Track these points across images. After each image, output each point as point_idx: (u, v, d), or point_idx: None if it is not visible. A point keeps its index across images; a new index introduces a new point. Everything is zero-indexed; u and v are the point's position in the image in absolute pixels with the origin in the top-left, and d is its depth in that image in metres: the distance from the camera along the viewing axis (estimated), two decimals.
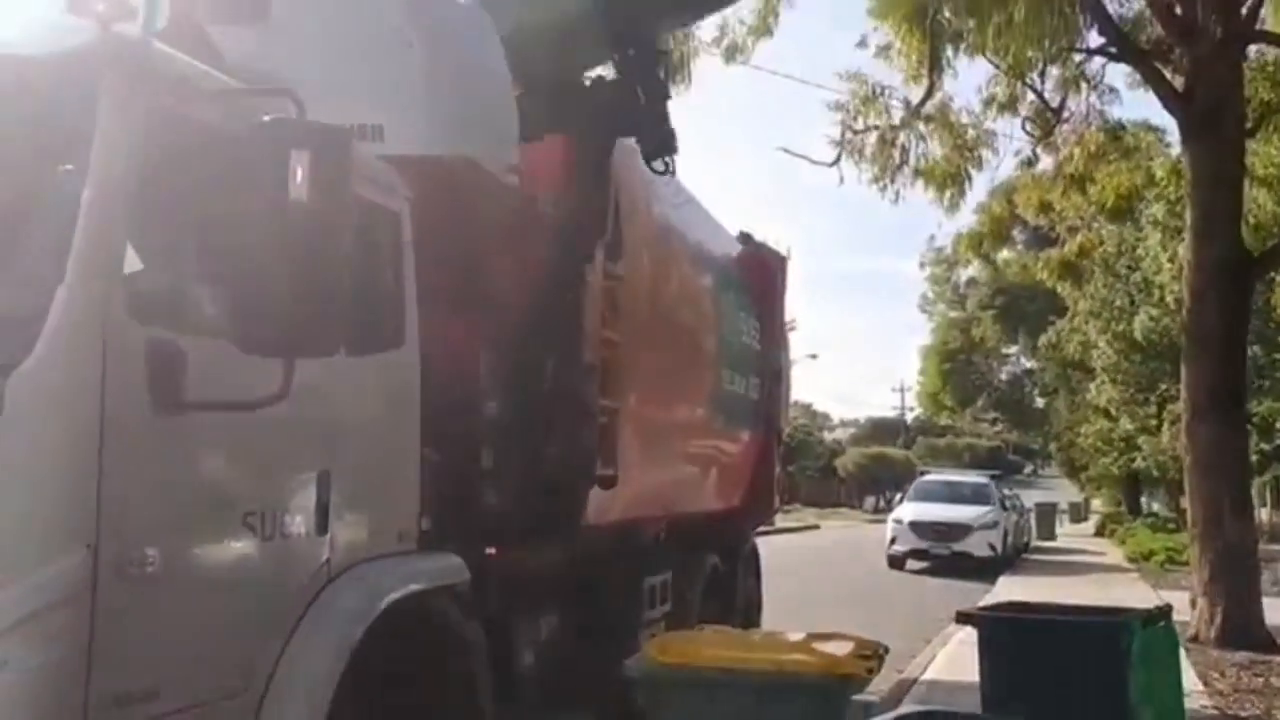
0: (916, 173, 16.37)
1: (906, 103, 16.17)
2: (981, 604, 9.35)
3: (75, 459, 2.86)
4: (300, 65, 4.60)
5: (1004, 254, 32.36)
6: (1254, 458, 25.73)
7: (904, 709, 4.14)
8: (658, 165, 6.64)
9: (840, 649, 4.45)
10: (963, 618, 6.51)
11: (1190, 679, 10.65)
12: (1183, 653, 11.96)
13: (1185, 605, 13.76)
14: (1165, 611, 6.77)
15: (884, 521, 27.64)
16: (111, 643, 2.89)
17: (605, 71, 6.91)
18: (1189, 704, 9.43)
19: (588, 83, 6.68)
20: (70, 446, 2.87)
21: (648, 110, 6.47)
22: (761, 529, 11.72)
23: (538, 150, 5.78)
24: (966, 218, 20.92)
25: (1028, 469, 76.94)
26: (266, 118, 3.10)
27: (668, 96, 6.73)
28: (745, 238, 10.07)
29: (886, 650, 4.64)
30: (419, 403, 4.43)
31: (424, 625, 4.18)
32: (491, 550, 5.22)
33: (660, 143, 6.58)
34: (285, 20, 4.85)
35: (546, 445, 5.69)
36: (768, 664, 4.35)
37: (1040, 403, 50.98)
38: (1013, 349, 50.60)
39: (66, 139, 3.01)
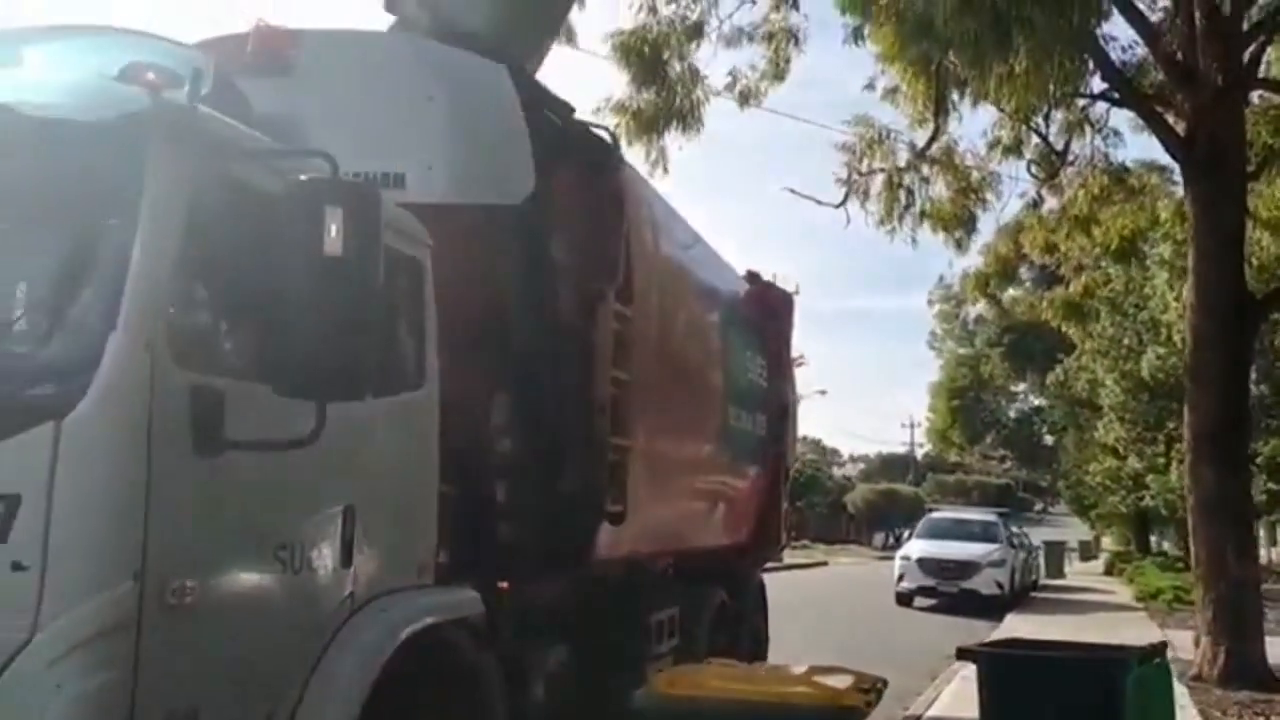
0: (923, 214, 16.54)
1: (912, 146, 16.38)
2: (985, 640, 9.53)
3: (125, 496, 3.09)
4: (327, 115, 4.88)
5: (1011, 292, 32.57)
6: (1261, 497, 25.89)
7: None
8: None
9: (841, 682, 4.66)
10: (963, 653, 6.67)
11: (1193, 716, 10.97)
12: (1186, 691, 12.34)
13: (1190, 644, 13.99)
14: (1160, 649, 6.96)
15: (892, 558, 27.70)
16: (155, 667, 3.11)
17: None
18: None
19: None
20: (120, 484, 3.10)
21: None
22: (769, 565, 11.92)
23: (552, 196, 6.03)
24: (975, 257, 21.09)
25: (1037, 507, 76.90)
26: (303, 177, 3.35)
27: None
28: (753, 277, 10.35)
29: (885, 684, 4.84)
30: (437, 441, 4.64)
31: (440, 655, 4.37)
32: (504, 584, 5.41)
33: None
34: (313, 72, 5.13)
35: (558, 482, 5.90)
36: (771, 696, 4.53)
37: (1049, 440, 51.06)
38: (1021, 386, 50.73)
39: (118, 198, 3.25)
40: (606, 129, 6.84)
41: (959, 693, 10.69)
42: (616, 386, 6.34)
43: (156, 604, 3.12)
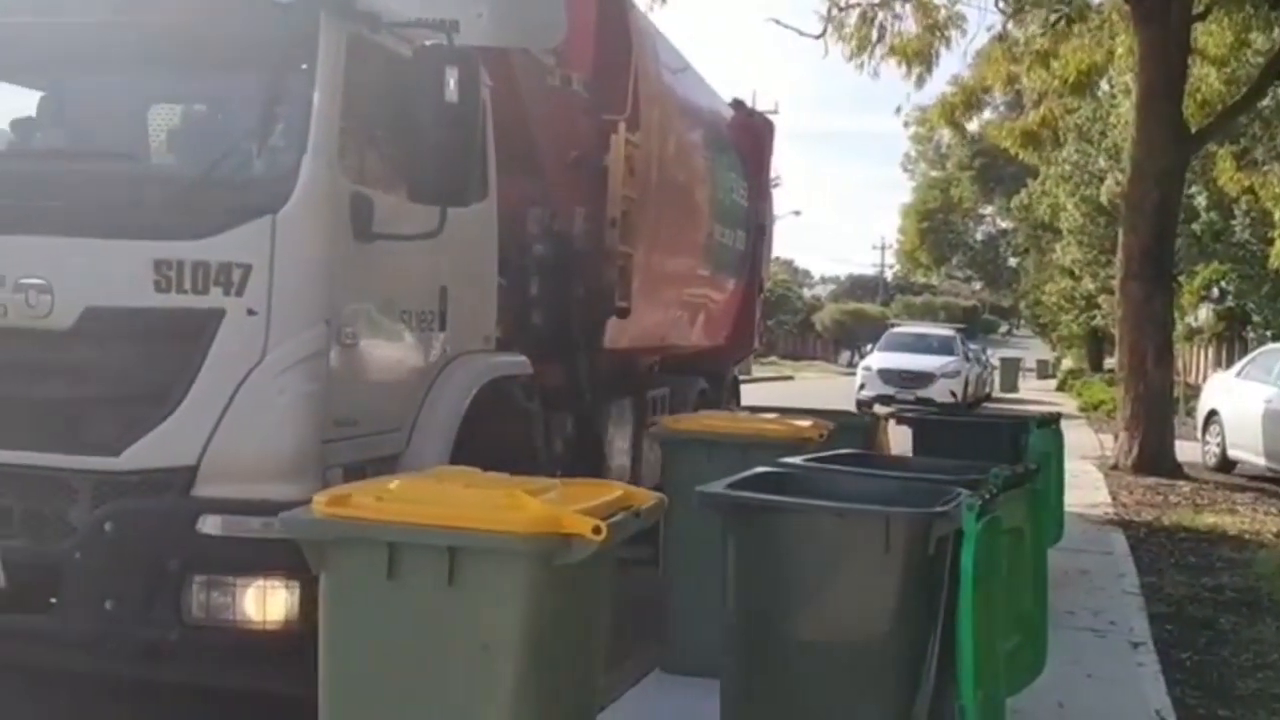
0: (890, 49, 17.50)
1: None
2: None
3: (318, 267, 4.55)
4: None
5: (986, 115, 33.55)
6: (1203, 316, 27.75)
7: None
8: None
9: (804, 423, 6.27)
10: (901, 420, 8.34)
11: (1103, 495, 12.68)
12: (1102, 477, 14.05)
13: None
14: (1055, 417, 8.71)
15: (855, 374, 29.54)
16: (335, 385, 4.60)
17: None
18: (1097, 512, 11.45)
19: None
20: (314, 259, 4.55)
21: None
22: (739, 378, 13.43)
23: (572, 37, 7.27)
24: (943, 85, 22.10)
25: (1003, 329, 78.60)
26: (428, 42, 4.71)
27: None
28: (738, 104, 11.42)
29: (836, 428, 6.45)
30: (496, 242, 6.06)
31: (503, 400, 5.88)
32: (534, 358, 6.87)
33: None
34: None
35: (575, 280, 7.34)
36: (751, 431, 6.09)
37: (1013, 262, 52.66)
38: (989, 209, 52.09)
39: (303, 56, 4.60)
40: None
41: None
42: (625, 204, 7.58)
43: (336, 341, 4.59)
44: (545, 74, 7.18)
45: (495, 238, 6.00)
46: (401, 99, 4.74)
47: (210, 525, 4.35)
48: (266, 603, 4.34)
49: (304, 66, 4.57)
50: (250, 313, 4.43)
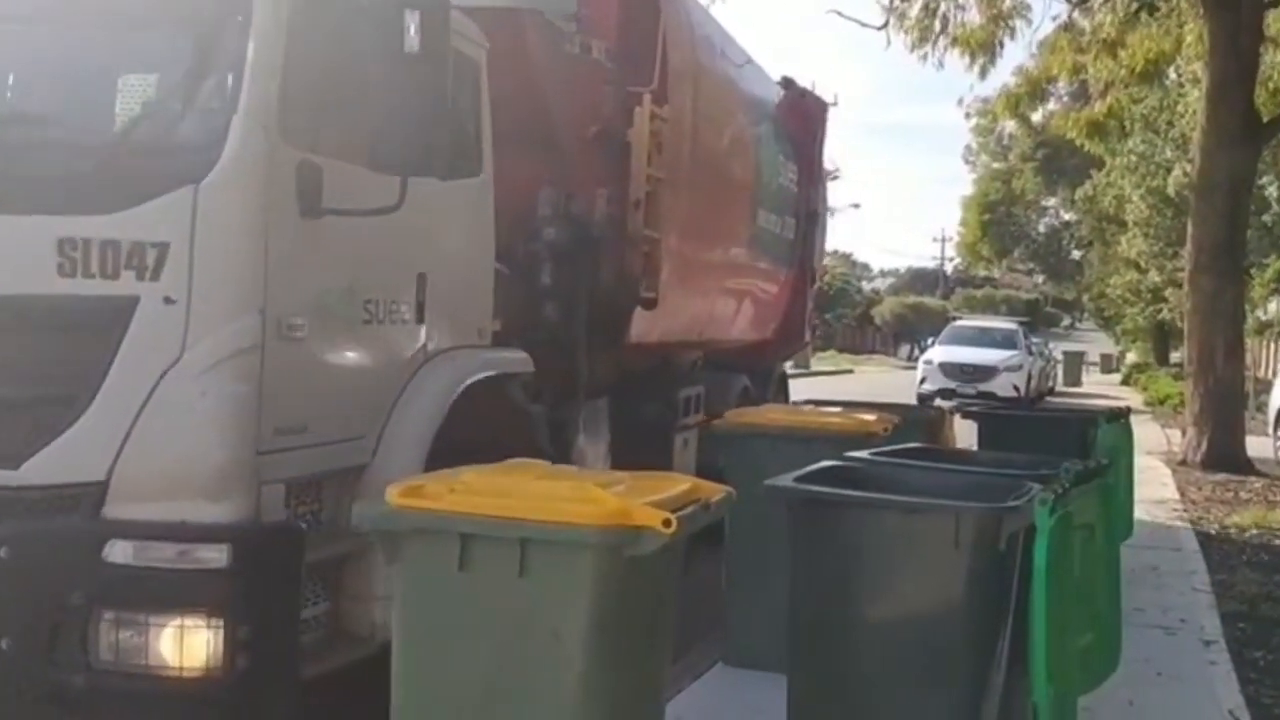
0: (954, 40, 16.83)
1: None
2: None
3: (248, 247, 3.75)
4: None
5: (1050, 106, 32.38)
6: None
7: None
8: None
9: (870, 416, 5.86)
10: (966, 414, 7.82)
11: (1171, 491, 12.16)
12: (1170, 472, 13.31)
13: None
14: (1124, 412, 8.22)
15: (916, 367, 28.53)
16: (275, 386, 3.81)
17: None
18: (1166, 509, 10.94)
19: None
20: (244, 237, 3.75)
21: None
22: (796, 371, 12.61)
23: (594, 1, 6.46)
24: (1007, 77, 21.25)
25: (1065, 322, 77.05)
26: None
27: None
28: (788, 83, 10.48)
29: (900, 422, 5.89)
30: (493, 224, 5.25)
31: (497, 402, 5.08)
32: (548, 353, 6.07)
33: None
34: None
35: (595, 267, 6.51)
36: (815, 425, 5.68)
37: (1076, 255, 51.20)
38: (1051, 201, 50.61)
39: (236, 5, 3.82)
40: None
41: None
42: (651, 184, 6.83)
43: (275, 335, 3.80)
44: (563, 41, 6.39)
45: (491, 219, 5.22)
46: (357, 50, 3.93)
47: (119, 553, 3.60)
48: (185, 645, 3.59)
49: (238, 14, 3.77)
50: (167, 301, 3.66)
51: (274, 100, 3.80)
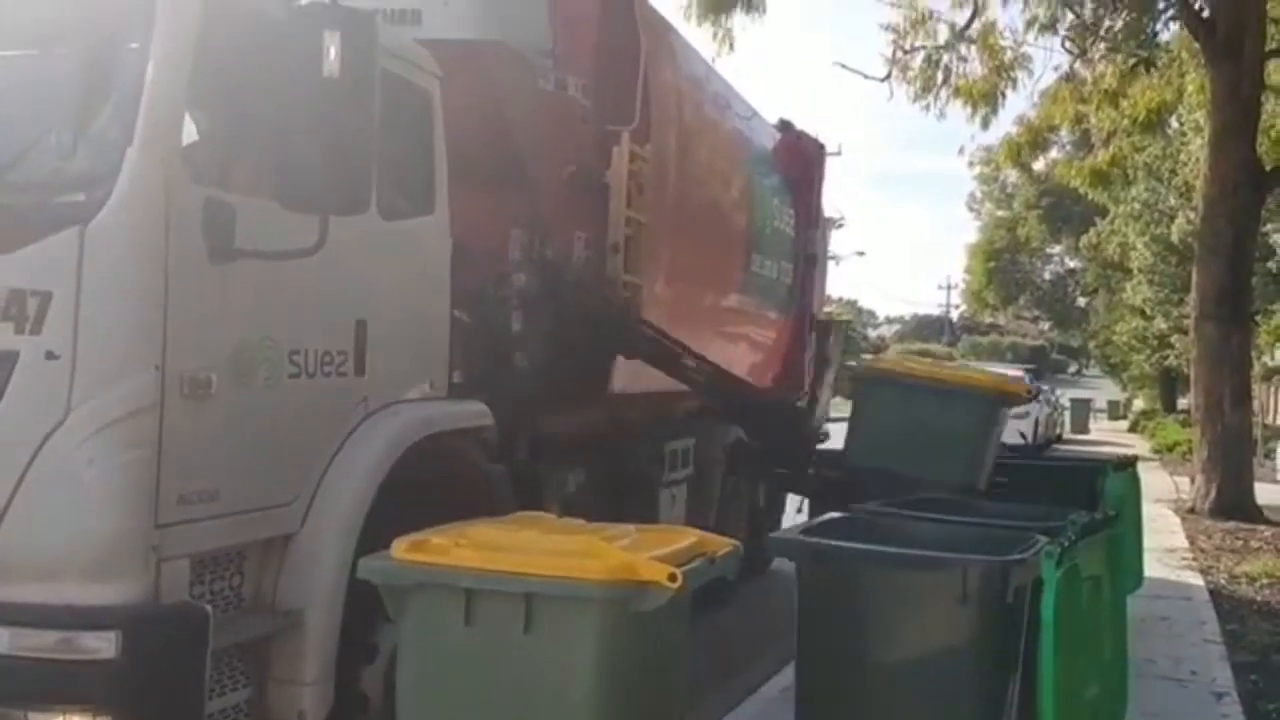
0: (956, 91, 16.86)
1: (952, 26, 16.83)
2: None
3: (144, 295, 3.28)
4: None
5: (1053, 154, 32.11)
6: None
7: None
8: None
9: (1013, 371, 6.08)
10: None
11: (1180, 539, 11.93)
12: (1179, 520, 12.93)
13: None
14: (1131, 461, 8.07)
15: None
16: (178, 450, 3.34)
17: None
18: (1176, 558, 10.73)
19: None
20: (139, 285, 3.29)
21: None
22: None
23: (569, 34, 6.02)
24: (1009, 126, 21.19)
25: (1071, 369, 76.40)
26: (302, 1, 3.44)
27: None
28: (784, 125, 10.10)
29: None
30: (449, 267, 4.77)
31: (450, 461, 4.58)
32: (520, 407, 5.58)
33: None
34: None
35: (572, 315, 6.03)
36: (956, 379, 6.26)
37: (1081, 302, 50.63)
38: (1056, 248, 50.06)
39: (135, 22, 3.37)
40: None
41: None
42: (632, 226, 6.39)
43: (177, 393, 3.33)
44: (535, 76, 5.93)
45: (446, 262, 4.75)
46: (271, 75, 3.47)
47: None
48: None
49: (137, 33, 3.32)
50: (50, 356, 3.20)
51: (176, 131, 3.36)
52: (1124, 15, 15.92)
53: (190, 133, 3.43)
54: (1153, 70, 16.79)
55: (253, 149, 3.64)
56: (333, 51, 3.32)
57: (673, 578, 3.00)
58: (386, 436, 4.16)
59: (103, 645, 3.12)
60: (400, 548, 3.20)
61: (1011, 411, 22.72)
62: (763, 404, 9.89)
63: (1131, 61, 16.63)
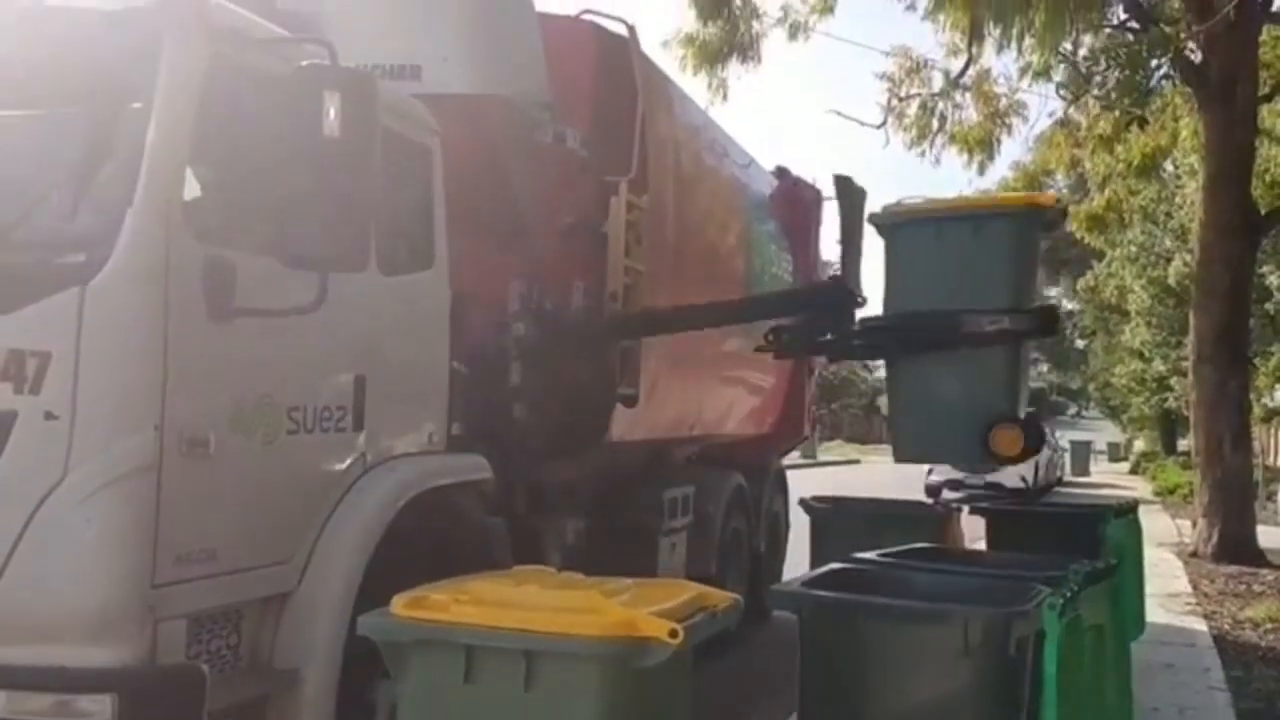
0: (952, 138, 16.95)
1: (946, 74, 16.93)
2: None
3: (143, 355, 3.27)
4: (346, 8, 4.94)
5: None
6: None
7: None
8: None
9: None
10: (975, 511, 7.48)
11: (1183, 584, 11.82)
12: (1182, 565, 12.83)
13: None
14: (1133, 506, 7.93)
15: None
16: (176, 510, 3.32)
17: None
18: (1179, 603, 10.63)
19: None
20: (139, 345, 3.28)
21: None
22: (803, 461, 12.05)
23: (567, 87, 6.05)
24: (1005, 170, 21.33)
25: (1071, 411, 76.16)
26: (303, 63, 3.45)
27: None
28: (781, 172, 10.14)
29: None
30: (448, 321, 4.77)
31: (448, 516, 4.55)
32: (519, 457, 5.56)
33: None
34: None
35: (571, 366, 6.02)
36: None
37: (1080, 344, 50.66)
38: (1054, 291, 50.17)
39: (135, 83, 3.39)
40: (623, 20, 6.75)
41: None
42: (630, 276, 6.39)
43: (176, 453, 3.31)
44: (533, 128, 5.95)
45: (445, 315, 4.74)
46: (272, 134, 3.48)
47: None
48: None
49: (139, 94, 3.34)
50: (49, 416, 3.19)
51: (176, 191, 3.36)
52: (1117, 73, 15.99)
53: (191, 191, 3.43)
54: (1143, 130, 17.00)
55: (253, 208, 3.65)
56: (333, 112, 3.33)
57: (674, 634, 2.96)
58: (384, 492, 4.14)
59: (99, 709, 3.09)
60: (400, 604, 3.17)
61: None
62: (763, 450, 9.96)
63: (1127, 120, 16.84)
